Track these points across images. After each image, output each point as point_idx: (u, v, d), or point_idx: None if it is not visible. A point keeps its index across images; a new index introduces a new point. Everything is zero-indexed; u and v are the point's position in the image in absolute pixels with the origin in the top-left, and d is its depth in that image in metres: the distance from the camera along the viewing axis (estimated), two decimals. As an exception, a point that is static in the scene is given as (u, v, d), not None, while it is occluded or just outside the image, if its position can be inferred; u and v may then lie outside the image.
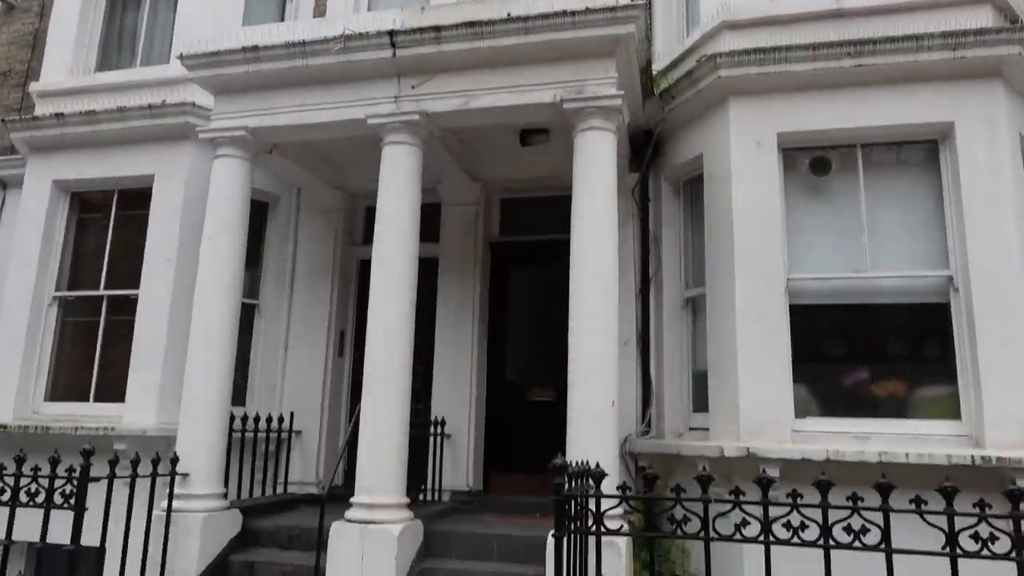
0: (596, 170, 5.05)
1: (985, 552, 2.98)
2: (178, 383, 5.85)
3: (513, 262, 7.46)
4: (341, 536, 4.88)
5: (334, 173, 7.33)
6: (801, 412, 5.13)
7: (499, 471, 7.04)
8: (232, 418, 5.87)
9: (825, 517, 3.14)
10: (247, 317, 7.15)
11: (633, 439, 6.05)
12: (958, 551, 3.00)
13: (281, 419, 6.87)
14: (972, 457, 4.48)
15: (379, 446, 5.00)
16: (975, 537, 3.00)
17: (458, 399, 6.85)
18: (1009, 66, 5.09)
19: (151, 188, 6.83)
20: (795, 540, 3.17)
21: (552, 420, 6.57)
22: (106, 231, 7.20)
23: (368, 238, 6.81)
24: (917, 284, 5.17)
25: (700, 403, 5.80)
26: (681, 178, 6.34)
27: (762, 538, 3.19)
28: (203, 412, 5.50)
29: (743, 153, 5.45)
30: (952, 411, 4.92)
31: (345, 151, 6.70)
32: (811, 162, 5.53)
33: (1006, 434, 4.63)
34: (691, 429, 5.87)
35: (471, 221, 7.20)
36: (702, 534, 3.29)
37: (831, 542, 3.12)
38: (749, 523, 3.23)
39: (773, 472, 4.67)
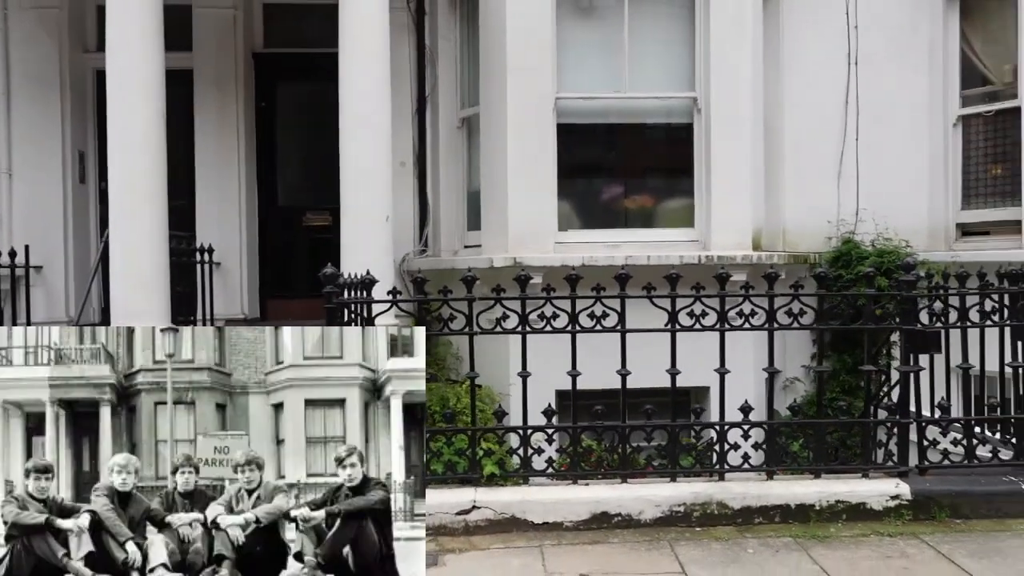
0: (364, -31, 4.68)
1: (697, 326, 3.55)
2: None
3: (281, 77, 6.89)
4: (99, 367, 4.57)
5: (48, -43, 6.09)
6: (564, 225, 5.56)
7: (276, 297, 6.90)
8: (-53, 252, 5.07)
9: (573, 306, 3.52)
10: (-48, 136, 6.02)
11: (410, 258, 6.19)
12: (677, 327, 3.54)
13: (13, 253, 6.02)
14: (699, 257, 5.21)
15: (136, 272, 4.65)
16: (691, 315, 3.56)
17: (227, 225, 6.47)
18: None
19: None
20: (547, 328, 3.54)
21: (330, 244, 6.45)
22: None
23: (103, 43, 5.86)
24: (668, 105, 5.63)
25: (475, 222, 6.02)
26: (457, -12, 6.13)
27: (519, 328, 3.51)
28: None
29: (517, -38, 5.35)
30: (688, 221, 5.61)
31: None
32: (581, -23, 5.58)
33: (727, 238, 5.41)
34: (466, 247, 6.12)
35: (229, 27, 6.44)
36: (467, 329, 3.54)
37: (577, 327, 3.53)
38: (509, 316, 3.52)
39: (537, 279, 5.07)
